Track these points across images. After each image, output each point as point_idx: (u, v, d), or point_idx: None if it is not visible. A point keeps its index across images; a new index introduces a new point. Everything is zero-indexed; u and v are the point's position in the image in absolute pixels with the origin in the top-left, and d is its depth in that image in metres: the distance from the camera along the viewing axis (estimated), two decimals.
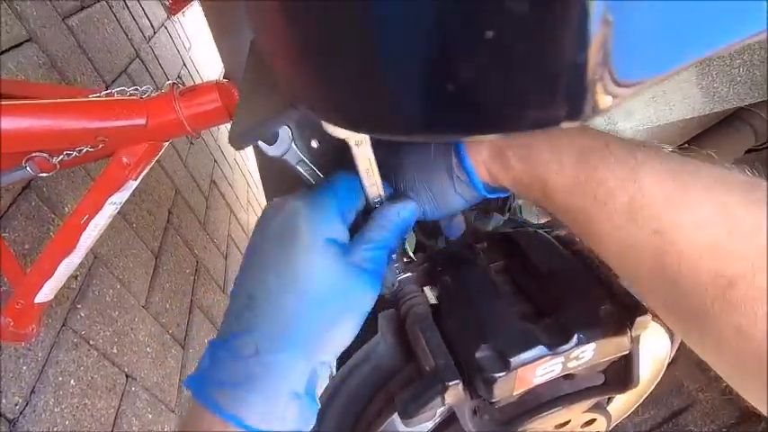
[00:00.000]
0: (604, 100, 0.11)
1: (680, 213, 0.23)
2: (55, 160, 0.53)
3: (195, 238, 1.58)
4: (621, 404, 0.64)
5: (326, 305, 0.29)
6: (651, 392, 0.64)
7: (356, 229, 0.34)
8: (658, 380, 0.62)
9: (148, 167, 0.59)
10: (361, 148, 0.30)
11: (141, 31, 1.73)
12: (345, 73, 0.12)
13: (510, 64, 0.10)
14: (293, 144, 0.32)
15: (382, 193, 0.35)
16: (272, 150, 0.33)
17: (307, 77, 0.13)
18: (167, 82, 0.54)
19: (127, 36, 1.56)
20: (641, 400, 0.64)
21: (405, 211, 0.33)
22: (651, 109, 0.70)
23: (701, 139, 0.83)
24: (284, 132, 0.31)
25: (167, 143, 0.58)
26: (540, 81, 0.10)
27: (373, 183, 0.33)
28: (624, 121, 0.72)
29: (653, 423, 1.03)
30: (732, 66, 0.67)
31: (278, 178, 0.51)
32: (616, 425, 0.66)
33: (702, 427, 0.97)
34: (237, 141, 0.20)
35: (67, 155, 0.53)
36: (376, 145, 0.30)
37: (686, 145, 0.85)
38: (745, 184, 0.23)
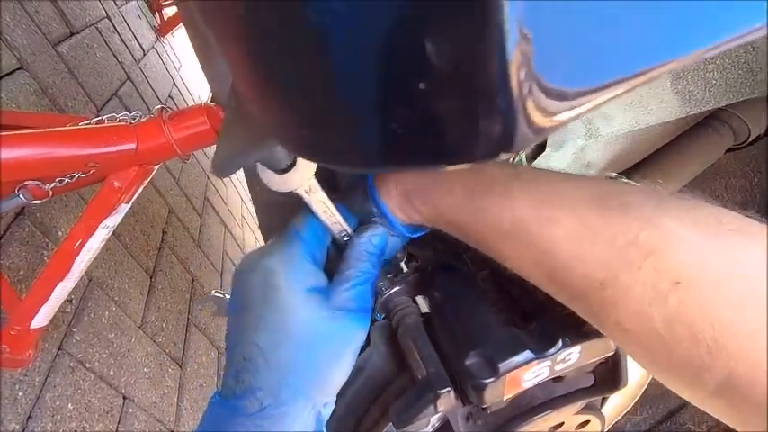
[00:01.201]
0: (542, 118, 0.12)
1: (551, 230, 0.27)
2: (48, 187, 0.54)
3: (190, 256, 1.58)
4: (616, 404, 0.64)
5: (319, 353, 0.31)
6: (646, 392, 0.64)
7: (330, 260, 0.35)
8: (650, 379, 0.63)
9: (140, 190, 0.60)
10: (313, 194, 0.31)
11: (131, 54, 1.75)
12: (307, 108, 0.13)
13: (437, 103, 0.11)
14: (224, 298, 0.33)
15: (347, 228, 0.35)
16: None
17: (272, 111, 0.15)
18: (156, 106, 0.56)
19: (117, 59, 1.58)
20: (635, 400, 0.65)
21: (376, 238, 0.35)
22: (630, 114, 0.72)
23: (681, 140, 0.85)
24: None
25: (158, 166, 0.60)
26: (469, 112, 0.11)
27: (335, 221, 0.34)
28: (605, 126, 0.74)
29: (651, 422, 1.03)
30: (706, 70, 0.69)
31: (270, 204, 0.51)
32: (613, 425, 0.66)
33: (700, 425, 0.98)
34: (219, 171, 0.22)
35: (60, 182, 0.54)
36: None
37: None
38: (601, 197, 0.26)
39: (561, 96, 0.12)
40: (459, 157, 0.11)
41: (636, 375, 0.58)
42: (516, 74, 0.11)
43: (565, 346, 0.38)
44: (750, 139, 0.87)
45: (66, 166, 0.51)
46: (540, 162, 0.77)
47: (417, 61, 0.10)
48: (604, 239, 0.24)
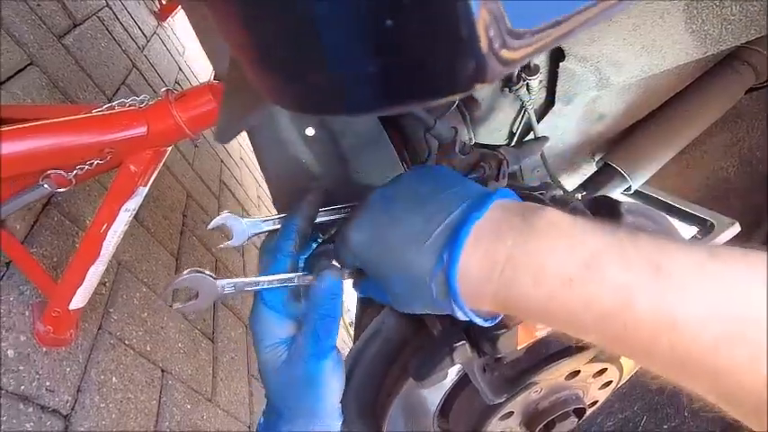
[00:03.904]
0: (507, 53, 0.13)
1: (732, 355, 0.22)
2: (70, 175, 0.56)
3: (211, 238, 1.63)
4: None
5: (287, 393, 0.37)
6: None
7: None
8: None
9: (156, 173, 0.62)
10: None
11: (135, 41, 1.75)
12: (293, 62, 0.14)
13: (411, 39, 0.11)
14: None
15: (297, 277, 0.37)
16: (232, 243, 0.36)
17: (264, 72, 0.15)
18: (162, 89, 0.57)
19: (121, 48, 1.59)
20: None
21: (331, 284, 0.36)
22: (642, 59, 0.69)
23: (699, 84, 0.82)
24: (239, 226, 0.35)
25: (170, 148, 0.61)
26: (438, 47, 0.11)
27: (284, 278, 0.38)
28: (616, 75, 0.71)
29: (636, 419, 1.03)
30: (723, 5, 0.65)
31: (278, 173, 0.52)
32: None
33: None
34: (220, 137, 0.23)
35: (81, 169, 0.56)
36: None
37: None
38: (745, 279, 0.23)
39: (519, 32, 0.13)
40: (438, 91, 0.12)
41: None
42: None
43: None
44: None
45: (84, 154, 0.53)
46: (550, 119, 0.75)
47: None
48: (755, 319, 0.21)
